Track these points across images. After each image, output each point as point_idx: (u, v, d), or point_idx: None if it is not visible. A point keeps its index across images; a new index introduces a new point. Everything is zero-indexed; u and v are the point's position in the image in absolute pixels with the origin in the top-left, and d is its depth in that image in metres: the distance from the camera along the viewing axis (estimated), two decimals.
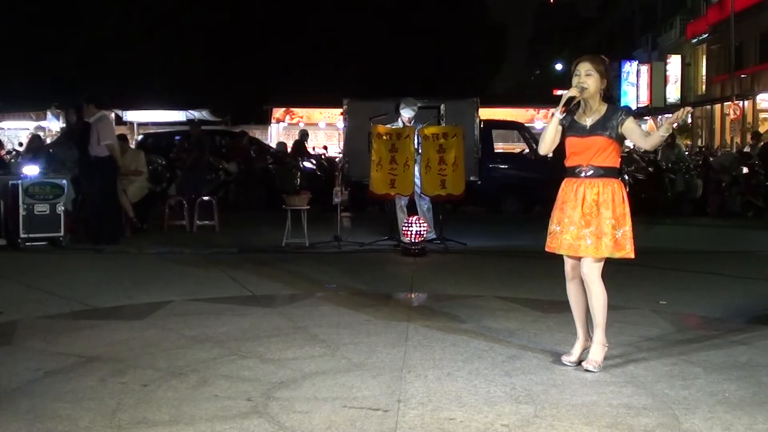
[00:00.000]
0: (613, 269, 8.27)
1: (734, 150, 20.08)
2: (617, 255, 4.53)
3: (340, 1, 33.20)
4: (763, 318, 6.11)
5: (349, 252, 9.73)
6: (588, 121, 4.56)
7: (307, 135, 19.21)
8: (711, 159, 16.35)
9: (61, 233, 9.76)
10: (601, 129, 4.51)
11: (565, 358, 4.69)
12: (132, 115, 26.18)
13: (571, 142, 4.61)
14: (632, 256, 4.56)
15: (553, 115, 4.63)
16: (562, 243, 4.58)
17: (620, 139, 4.55)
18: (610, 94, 4.63)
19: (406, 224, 9.59)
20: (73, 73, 26.83)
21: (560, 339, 5.26)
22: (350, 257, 9.40)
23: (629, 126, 4.51)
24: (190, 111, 25.24)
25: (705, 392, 4.19)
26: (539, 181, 13.13)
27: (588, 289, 4.58)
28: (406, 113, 10.08)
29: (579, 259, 4.59)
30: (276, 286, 7.39)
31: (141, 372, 4.47)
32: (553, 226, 4.65)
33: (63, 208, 9.79)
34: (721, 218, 14.11)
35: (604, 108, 4.56)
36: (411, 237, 9.47)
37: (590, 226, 4.49)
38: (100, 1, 29.27)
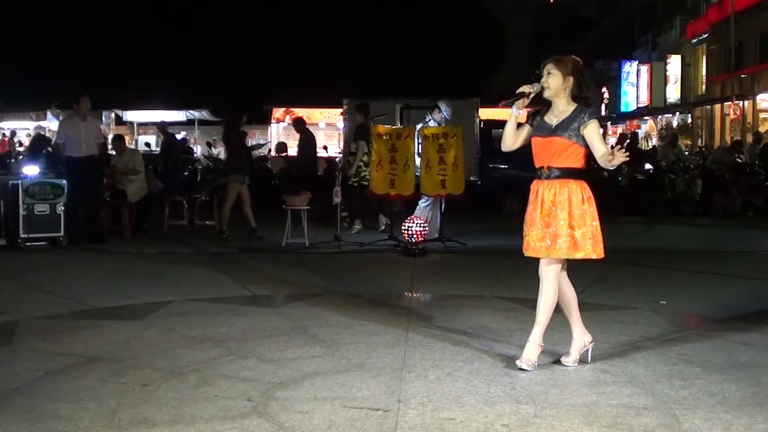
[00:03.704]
0: (613, 269, 8.31)
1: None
2: (577, 255, 4.49)
3: (341, 0, 33.20)
4: (763, 318, 6.12)
5: (349, 252, 9.72)
6: (554, 122, 4.55)
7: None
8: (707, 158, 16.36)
9: (61, 233, 9.76)
10: (562, 130, 4.50)
11: (565, 360, 4.69)
12: (132, 115, 26.17)
13: (534, 142, 4.61)
14: (594, 256, 4.50)
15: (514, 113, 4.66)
16: (528, 245, 4.59)
17: (584, 140, 4.49)
18: (585, 95, 4.57)
19: (407, 224, 9.59)
20: (73, 73, 26.81)
21: (560, 339, 5.25)
22: (350, 257, 9.40)
23: (589, 130, 4.45)
24: (190, 111, 25.23)
25: (705, 392, 4.19)
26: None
27: (540, 287, 4.57)
28: (446, 113, 10.23)
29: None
30: (276, 286, 7.39)
31: (141, 372, 4.47)
32: (524, 228, 4.65)
33: (63, 208, 9.79)
34: (721, 218, 14.10)
35: (571, 108, 4.54)
36: (411, 237, 9.49)
37: (549, 227, 4.49)
38: (100, 1, 29.26)
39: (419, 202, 10.20)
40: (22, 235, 9.57)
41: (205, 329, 5.51)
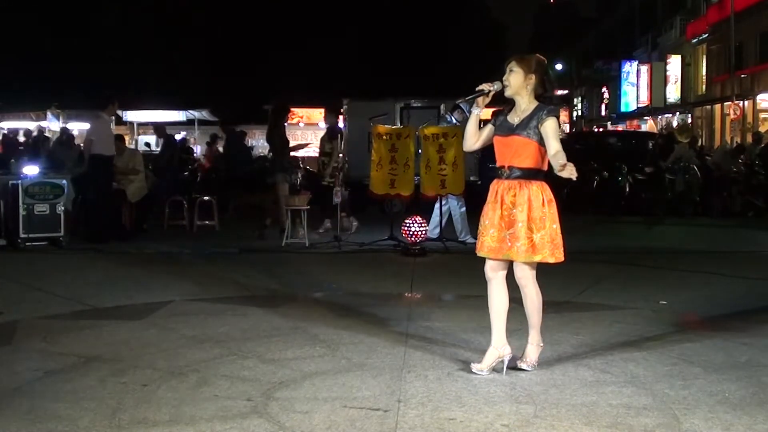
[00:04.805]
0: (613, 269, 8.30)
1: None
2: (535, 259, 4.39)
3: (341, 0, 33.22)
4: (763, 318, 6.12)
5: (349, 252, 9.72)
6: (515, 121, 4.46)
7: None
8: (708, 158, 16.34)
9: (61, 233, 9.76)
10: (522, 129, 4.40)
11: (475, 367, 4.49)
12: (132, 115, 26.15)
13: (496, 141, 4.53)
14: (552, 260, 4.38)
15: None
16: (483, 245, 4.51)
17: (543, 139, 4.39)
18: (549, 94, 4.50)
19: (408, 224, 9.59)
20: (73, 73, 26.83)
21: (560, 339, 5.26)
22: (350, 257, 9.40)
23: (546, 126, 4.33)
24: (190, 111, 25.22)
25: (705, 392, 4.19)
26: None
27: (522, 292, 4.53)
28: (468, 113, 10.32)
29: (499, 261, 4.50)
30: (276, 286, 7.40)
31: (141, 372, 4.47)
32: (479, 228, 4.59)
33: (63, 208, 9.79)
34: (721, 218, 14.10)
35: (533, 107, 4.45)
36: (411, 237, 9.49)
37: (509, 229, 4.40)
38: (100, 1, 29.28)
39: (455, 204, 10.29)
40: (22, 235, 9.57)
41: (205, 329, 5.51)
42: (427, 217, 10.12)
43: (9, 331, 5.47)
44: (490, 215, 4.50)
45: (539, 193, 4.39)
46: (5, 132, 23.38)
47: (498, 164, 4.53)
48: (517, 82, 4.45)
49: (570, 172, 4.12)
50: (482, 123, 4.69)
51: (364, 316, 5.96)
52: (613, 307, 6.44)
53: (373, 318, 5.91)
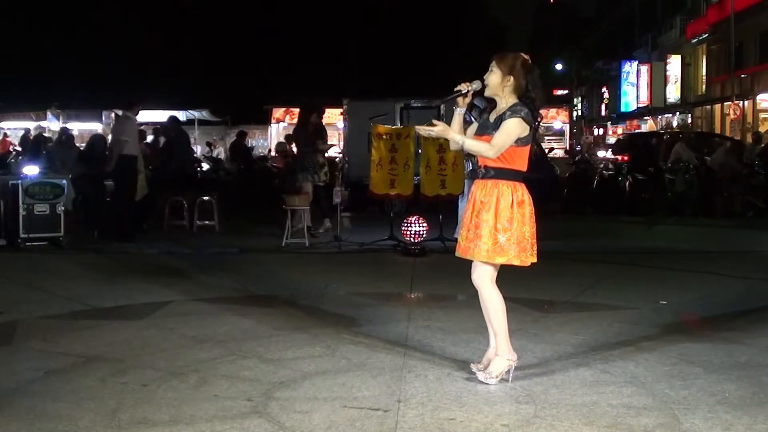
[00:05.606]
0: (613, 269, 8.30)
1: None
2: (498, 261, 4.27)
3: (341, 0, 33.24)
4: (764, 318, 6.12)
5: (349, 252, 9.72)
6: (492, 119, 4.41)
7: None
8: (708, 159, 16.34)
9: (61, 233, 9.76)
10: (493, 128, 4.34)
11: (475, 367, 4.43)
12: None
13: (476, 140, 4.45)
14: (516, 262, 4.27)
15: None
16: (457, 244, 4.46)
17: (519, 140, 4.30)
18: (530, 95, 4.34)
19: (408, 224, 9.59)
20: (74, 73, 26.83)
21: (560, 339, 5.26)
22: (350, 257, 9.40)
23: (503, 123, 4.25)
24: (190, 111, 25.22)
25: (705, 392, 4.19)
26: (540, 181, 13.15)
27: (480, 295, 4.41)
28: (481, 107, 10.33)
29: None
30: (276, 286, 7.39)
31: (141, 372, 4.47)
32: None
33: (63, 208, 9.79)
34: (721, 218, 14.11)
35: (507, 106, 4.36)
36: (411, 237, 9.49)
37: (477, 229, 4.31)
38: (100, 1, 29.30)
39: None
40: (22, 235, 9.57)
41: (205, 329, 5.51)
42: (427, 217, 10.12)
43: (9, 331, 5.47)
44: (464, 215, 4.48)
45: (509, 193, 4.28)
46: (21, 132, 23.40)
47: (479, 164, 4.48)
48: (495, 82, 4.39)
49: (425, 130, 4.38)
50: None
51: (364, 316, 5.96)
52: (613, 307, 6.44)
53: (373, 318, 5.91)
